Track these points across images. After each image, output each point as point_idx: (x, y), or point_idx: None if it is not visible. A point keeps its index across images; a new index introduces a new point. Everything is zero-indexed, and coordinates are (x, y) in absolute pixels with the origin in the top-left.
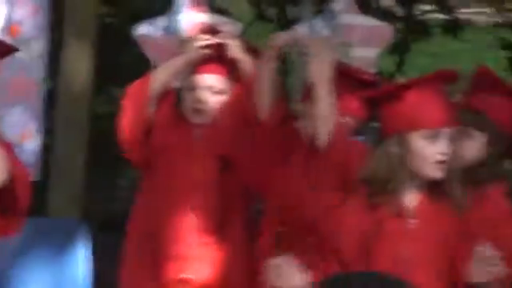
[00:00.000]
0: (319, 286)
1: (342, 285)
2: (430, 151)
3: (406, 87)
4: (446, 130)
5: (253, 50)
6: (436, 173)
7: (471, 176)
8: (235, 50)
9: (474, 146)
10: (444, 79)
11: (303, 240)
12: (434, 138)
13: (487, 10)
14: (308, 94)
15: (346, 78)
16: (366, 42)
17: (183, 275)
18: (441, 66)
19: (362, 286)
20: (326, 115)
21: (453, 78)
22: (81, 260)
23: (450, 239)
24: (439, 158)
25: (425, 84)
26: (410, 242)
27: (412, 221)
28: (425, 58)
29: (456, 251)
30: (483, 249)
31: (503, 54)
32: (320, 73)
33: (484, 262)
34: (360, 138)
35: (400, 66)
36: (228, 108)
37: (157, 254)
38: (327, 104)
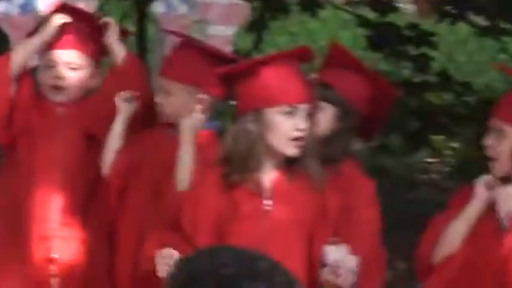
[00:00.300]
0: (175, 268)
1: (187, 269)
2: (287, 127)
3: (262, 63)
4: (303, 106)
5: (122, 33)
6: (292, 150)
7: (324, 151)
8: (112, 36)
9: (324, 119)
10: (300, 56)
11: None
12: (290, 114)
13: None
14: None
15: (205, 55)
16: (223, 19)
17: (48, 255)
18: (299, 44)
19: (208, 265)
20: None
21: (308, 55)
22: None
23: (307, 218)
24: (296, 134)
25: (281, 60)
26: (266, 223)
27: (269, 201)
28: (283, 36)
29: (314, 229)
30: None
31: (361, 32)
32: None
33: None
34: (215, 124)
35: (257, 43)
36: (101, 91)
37: (21, 234)
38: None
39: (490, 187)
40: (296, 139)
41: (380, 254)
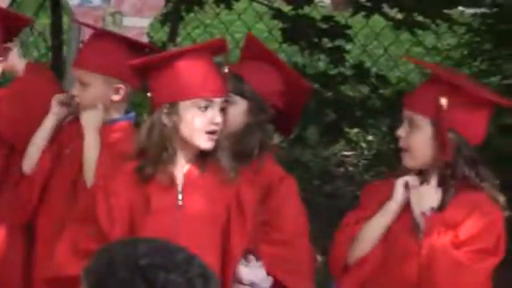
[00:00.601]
0: (92, 260)
1: (104, 259)
2: (202, 121)
3: (177, 56)
4: (218, 100)
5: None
6: (207, 143)
7: (238, 146)
8: (14, 57)
9: (238, 113)
10: (214, 49)
11: None
12: (206, 107)
13: None
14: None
15: (121, 45)
16: (137, 11)
17: None
18: (214, 37)
19: (125, 255)
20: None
21: (223, 47)
22: None
23: (220, 212)
24: (211, 128)
25: (196, 53)
26: (179, 217)
27: (181, 195)
28: (198, 28)
29: (229, 224)
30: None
31: (277, 24)
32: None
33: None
34: (131, 116)
35: (172, 36)
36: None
37: None
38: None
39: (408, 188)
40: (210, 133)
41: (310, 255)
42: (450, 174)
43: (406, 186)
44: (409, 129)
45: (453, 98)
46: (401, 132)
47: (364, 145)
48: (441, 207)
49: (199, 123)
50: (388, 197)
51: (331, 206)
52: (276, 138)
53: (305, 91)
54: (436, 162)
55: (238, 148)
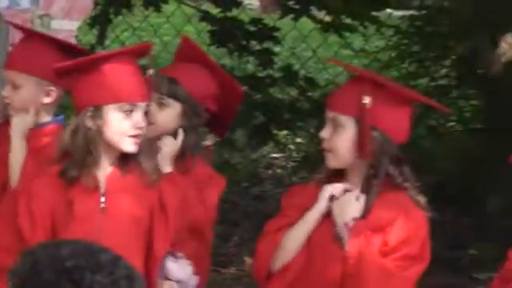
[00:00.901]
0: (18, 262)
1: (29, 262)
2: (126, 125)
3: (101, 60)
4: (142, 104)
5: None
6: (130, 146)
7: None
8: None
9: (170, 116)
10: (139, 52)
11: None
12: (130, 111)
13: None
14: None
15: (51, 47)
16: (66, 14)
17: None
18: (142, 40)
19: (49, 257)
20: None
21: (147, 51)
22: None
23: (143, 214)
24: (134, 131)
25: (120, 57)
26: (102, 220)
27: (103, 198)
28: (127, 31)
29: (152, 227)
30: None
31: (205, 27)
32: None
33: None
34: (59, 118)
35: (101, 39)
36: None
37: None
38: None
39: (333, 197)
40: (134, 136)
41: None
42: (373, 172)
43: (332, 196)
44: (332, 130)
45: (376, 96)
46: (324, 133)
47: (292, 147)
48: (364, 213)
49: (123, 127)
50: (310, 201)
51: (259, 209)
52: (210, 140)
53: (238, 94)
54: (360, 161)
55: (182, 150)
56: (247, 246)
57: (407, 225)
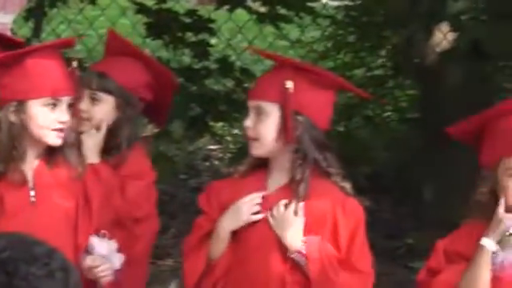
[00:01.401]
0: None
1: None
2: (50, 119)
3: (25, 54)
4: (66, 99)
5: None
6: (54, 140)
7: (110, 140)
8: None
9: (104, 110)
10: (62, 46)
11: None
12: (53, 106)
13: None
14: None
15: None
16: (0, 7)
17: None
18: (78, 32)
19: None
20: None
21: (70, 44)
22: None
23: (70, 207)
24: (58, 125)
25: (44, 52)
26: (32, 214)
27: (33, 192)
28: (63, 24)
29: (77, 219)
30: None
31: (141, 19)
32: None
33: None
34: None
35: (36, 31)
36: None
37: None
38: None
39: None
40: (58, 130)
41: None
42: (300, 159)
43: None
44: (256, 118)
45: (298, 81)
46: (248, 122)
47: (229, 138)
48: (299, 198)
49: (47, 121)
50: (234, 195)
51: (197, 201)
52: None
53: (171, 81)
54: (285, 148)
55: (108, 142)
56: (185, 238)
57: (348, 227)
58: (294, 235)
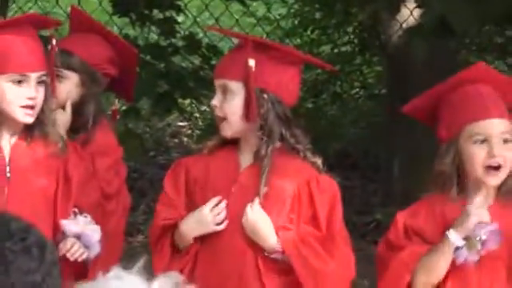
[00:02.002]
0: None
1: None
2: (17, 95)
3: None
4: (35, 75)
5: None
6: (25, 117)
7: (75, 119)
8: None
9: (68, 87)
10: (35, 23)
11: None
12: (20, 82)
13: None
14: None
15: None
16: None
17: None
18: (45, 10)
19: None
20: None
21: (44, 22)
22: None
23: (49, 184)
24: (26, 102)
25: (11, 28)
26: (8, 189)
27: (8, 167)
28: (30, 1)
29: (56, 196)
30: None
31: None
32: None
33: None
34: None
35: (2, 10)
36: None
37: None
38: None
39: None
40: (27, 107)
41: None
42: (266, 137)
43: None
44: (222, 97)
45: (261, 58)
46: (215, 101)
47: (198, 115)
48: (264, 182)
49: (14, 97)
50: (201, 173)
51: (162, 177)
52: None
53: (133, 55)
54: (252, 127)
55: (75, 120)
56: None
57: (325, 206)
58: (268, 234)
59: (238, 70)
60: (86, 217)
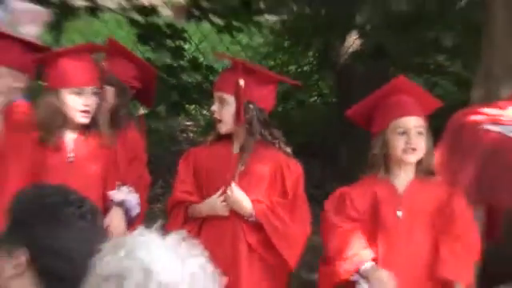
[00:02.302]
0: (12, 202)
1: (17, 199)
2: (76, 103)
3: (60, 54)
4: (88, 88)
5: None
6: (82, 119)
7: (112, 119)
8: None
9: (109, 97)
10: (89, 50)
11: None
12: (79, 93)
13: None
14: None
15: (24, 45)
16: (31, 21)
17: None
18: (88, 41)
19: (33, 195)
20: None
21: (94, 49)
22: None
23: (102, 166)
24: (84, 108)
25: (74, 54)
26: (70, 170)
27: (71, 153)
28: (76, 34)
29: (107, 175)
30: None
31: (133, 30)
32: None
33: None
34: (26, 96)
35: (57, 40)
36: None
37: None
38: None
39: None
40: (83, 111)
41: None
42: (251, 132)
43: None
44: (220, 105)
45: (248, 78)
46: (214, 108)
47: (200, 117)
48: (244, 167)
49: (74, 105)
50: (206, 160)
51: (176, 160)
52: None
53: (153, 73)
54: (241, 126)
55: (111, 120)
56: (170, 188)
57: (293, 175)
58: (245, 206)
59: (231, 86)
60: (128, 188)
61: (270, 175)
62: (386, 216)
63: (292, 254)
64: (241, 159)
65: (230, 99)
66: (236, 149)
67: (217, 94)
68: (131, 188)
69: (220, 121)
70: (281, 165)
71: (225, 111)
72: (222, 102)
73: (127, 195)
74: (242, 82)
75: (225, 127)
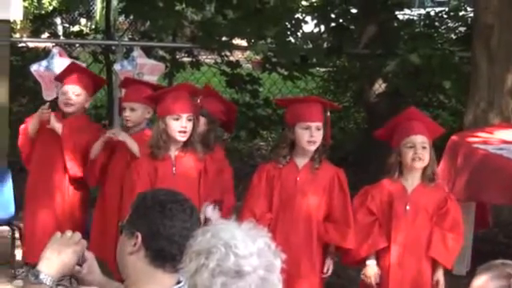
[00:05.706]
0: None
1: (141, 197)
2: (175, 126)
3: (167, 92)
4: (185, 115)
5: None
6: (179, 138)
7: (203, 141)
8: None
9: (201, 123)
10: (187, 90)
11: None
12: (177, 119)
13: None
14: None
15: (148, 87)
16: (150, 72)
17: None
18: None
19: (152, 194)
20: None
21: (193, 90)
22: None
23: (196, 175)
24: (181, 129)
25: (176, 92)
26: (173, 181)
27: (174, 167)
28: (181, 80)
29: (200, 183)
30: None
31: (223, 78)
32: None
33: None
34: (151, 125)
35: (170, 84)
36: None
37: None
38: None
39: None
40: (181, 132)
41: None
42: (318, 150)
43: None
44: (317, 132)
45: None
46: (315, 133)
47: (270, 139)
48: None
49: (174, 127)
50: (275, 174)
51: (253, 172)
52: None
53: (234, 110)
54: (325, 144)
55: (203, 142)
56: (243, 195)
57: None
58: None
59: (320, 115)
60: (214, 208)
61: (330, 181)
62: (397, 209)
63: None
64: (312, 167)
65: (320, 125)
66: (300, 163)
67: (312, 124)
68: (217, 207)
69: (314, 143)
70: (337, 173)
71: (320, 136)
72: (317, 127)
73: (214, 215)
74: (328, 113)
75: (315, 146)
